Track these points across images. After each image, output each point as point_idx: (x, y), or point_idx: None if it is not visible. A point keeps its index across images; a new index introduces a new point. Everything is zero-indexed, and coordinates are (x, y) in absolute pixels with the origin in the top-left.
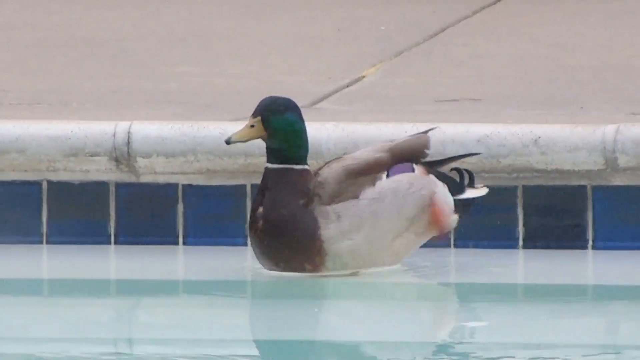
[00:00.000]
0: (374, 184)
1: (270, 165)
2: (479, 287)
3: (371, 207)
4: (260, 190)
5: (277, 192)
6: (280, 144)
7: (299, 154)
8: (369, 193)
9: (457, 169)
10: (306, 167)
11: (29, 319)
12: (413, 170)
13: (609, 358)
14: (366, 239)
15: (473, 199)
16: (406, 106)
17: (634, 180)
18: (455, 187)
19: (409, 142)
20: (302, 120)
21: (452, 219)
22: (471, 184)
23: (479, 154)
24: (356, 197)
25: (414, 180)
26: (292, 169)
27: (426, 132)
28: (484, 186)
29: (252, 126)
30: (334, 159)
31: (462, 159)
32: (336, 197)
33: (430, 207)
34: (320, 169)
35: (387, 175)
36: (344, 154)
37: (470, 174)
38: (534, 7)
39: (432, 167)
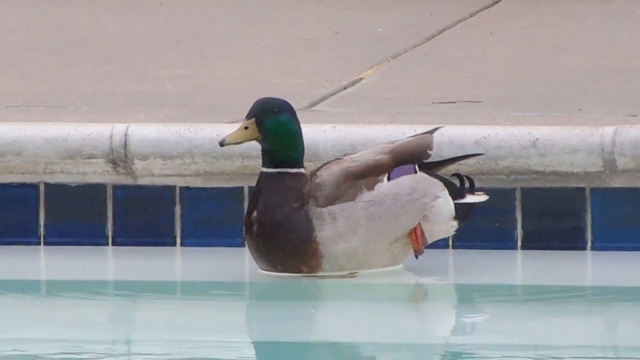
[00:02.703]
0: (373, 187)
1: (265, 170)
2: (477, 288)
3: (368, 209)
4: (255, 194)
5: (270, 195)
6: (274, 146)
7: (293, 156)
8: (366, 196)
9: (458, 175)
10: (301, 170)
11: (27, 320)
12: (415, 172)
13: (608, 359)
14: (362, 241)
15: (473, 204)
16: (403, 108)
17: (633, 182)
18: (456, 192)
19: (411, 143)
20: (297, 122)
21: (451, 225)
22: (471, 190)
23: (481, 154)
24: (353, 199)
25: (417, 185)
26: (287, 172)
27: (431, 132)
28: (484, 194)
29: (246, 128)
30: (332, 160)
31: (464, 160)
32: (334, 199)
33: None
34: (318, 169)
35: (389, 178)
36: (344, 155)
37: (471, 180)
38: (531, 9)
39: (432, 169)
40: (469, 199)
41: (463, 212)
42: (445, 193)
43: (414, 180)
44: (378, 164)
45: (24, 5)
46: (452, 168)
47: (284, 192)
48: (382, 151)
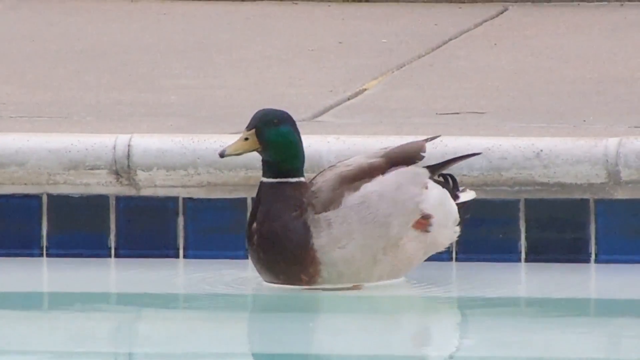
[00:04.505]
0: (359, 189)
1: (265, 180)
2: (481, 300)
3: (360, 213)
4: (255, 205)
5: (269, 205)
6: (274, 157)
7: (294, 166)
8: (355, 198)
9: (442, 175)
10: (301, 179)
11: (29, 332)
12: None
13: None
14: (358, 246)
15: (467, 202)
16: (408, 119)
17: (637, 194)
18: (451, 195)
19: (404, 146)
20: (297, 133)
21: (455, 231)
22: (456, 189)
23: (479, 154)
24: (345, 203)
25: (402, 179)
26: (287, 182)
27: (426, 140)
28: (467, 189)
29: (246, 139)
30: (327, 168)
31: (458, 162)
32: (329, 204)
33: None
34: (313, 178)
35: None
36: (337, 162)
37: (453, 178)
38: (536, 19)
39: (432, 171)
40: (462, 197)
41: (461, 214)
42: (445, 194)
43: (399, 174)
44: (372, 166)
45: (28, 15)
46: (460, 182)
47: (283, 201)
48: (375, 155)
